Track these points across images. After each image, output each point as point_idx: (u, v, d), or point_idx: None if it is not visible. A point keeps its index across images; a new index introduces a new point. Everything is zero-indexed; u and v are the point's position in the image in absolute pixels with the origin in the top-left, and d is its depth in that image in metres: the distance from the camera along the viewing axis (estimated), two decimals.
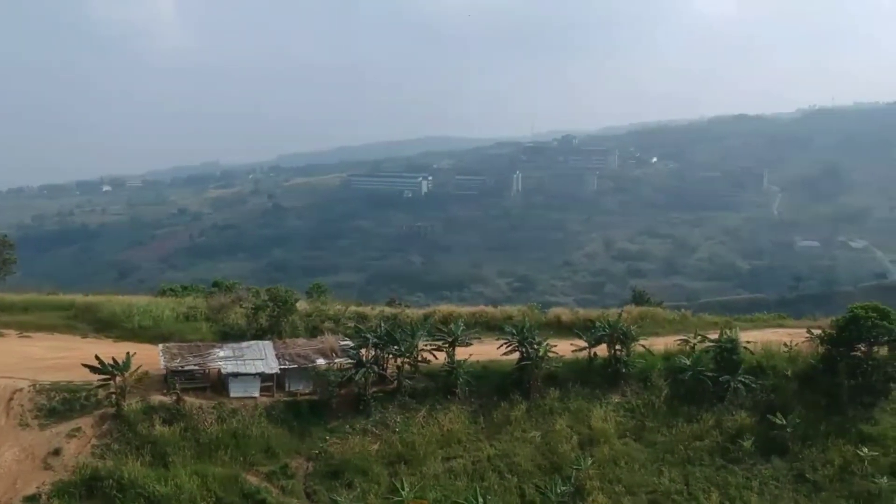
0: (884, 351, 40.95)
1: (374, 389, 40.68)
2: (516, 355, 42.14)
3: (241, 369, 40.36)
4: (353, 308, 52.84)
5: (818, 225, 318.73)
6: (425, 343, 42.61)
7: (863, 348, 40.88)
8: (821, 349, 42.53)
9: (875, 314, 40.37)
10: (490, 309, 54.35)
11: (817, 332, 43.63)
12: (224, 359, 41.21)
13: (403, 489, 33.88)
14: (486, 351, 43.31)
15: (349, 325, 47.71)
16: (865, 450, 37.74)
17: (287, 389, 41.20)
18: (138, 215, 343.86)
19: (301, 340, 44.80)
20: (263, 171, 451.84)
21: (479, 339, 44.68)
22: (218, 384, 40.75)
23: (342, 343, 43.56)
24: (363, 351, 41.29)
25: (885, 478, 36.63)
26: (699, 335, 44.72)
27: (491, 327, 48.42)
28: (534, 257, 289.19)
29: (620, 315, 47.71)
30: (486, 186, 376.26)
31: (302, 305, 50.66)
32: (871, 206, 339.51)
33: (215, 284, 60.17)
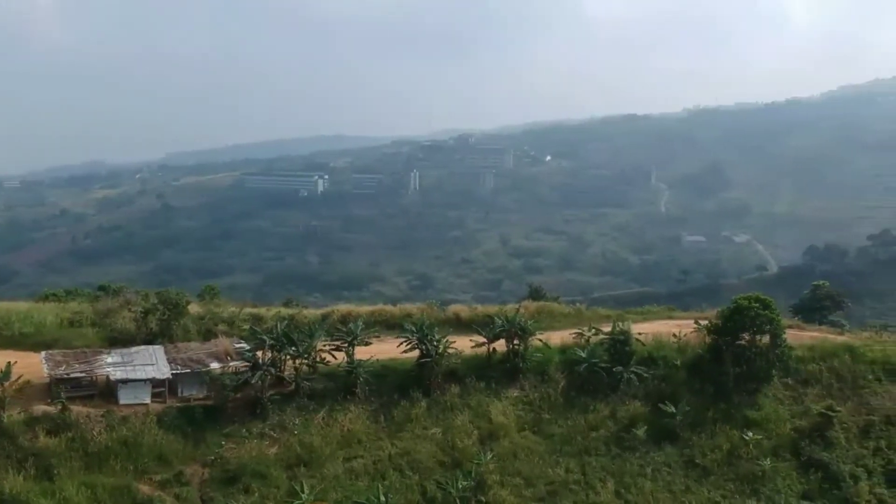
0: (766, 339, 42.83)
1: (272, 392, 39.88)
2: (416, 353, 42.12)
3: (131, 375, 38.84)
4: (248, 310, 51.64)
5: (703, 220, 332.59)
6: (324, 343, 42.08)
7: (747, 337, 42.72)
8: (708, 339, 44.19)
9: (757, 305, 42.25)
10: (389, 308, 54.15)
11: (704, 322, 45.31)
12: (112, 365, 39.58)
13: (303, 492, 33.38)
14: (386, 349, 43.14)
15: (244, 327, 46.60)
16: (750, 434, 39.50)
17: (180, 395, 39.92)
18: (16, 217, 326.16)
19: (194, 344, 43.48)
20: (151, 171, 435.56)
21: (379, 337, 44.50)
22: (106, 391, 39.11)
23: (237, 346, 42.55)
24: (259, 353, 40.42)
25: (768, 459, 38.48)
26: (594, 328, 45.79)
27: (391, 326, 48.27)
28: (432, 255, 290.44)
29: (518, 310, 48.40)
30: (383, 185, 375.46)
31: (194, 308, 49.14)
32: (752, 201, 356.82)
33: (101, 288, 57.72)
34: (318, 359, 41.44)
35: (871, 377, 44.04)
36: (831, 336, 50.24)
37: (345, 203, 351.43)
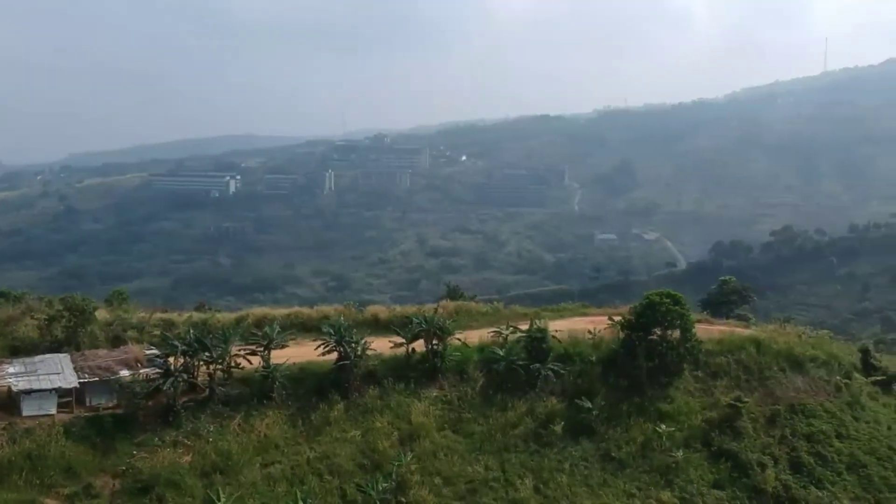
0: (676, 334, 44.00)
1: (185, 399, 38.76)
2: (334, 355, 41.59)
3: (35, 385, 37.09)
4: (158, 315, 50.00)
5: (615, 219, 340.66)
6: (239, 348, 41.10)
7: (658, 332, 43.81)
8: (621, 335, 45.08)
9: (668, 300, 43.38)
10: (306, 310, 53.28)
11: (618, 319, 46.21)
12: (14, 375, 37.72)
13: (219, 500, 32.56)
14: (304, 352, 42.45)
15: (155, 333, 45.14)
16: (663, 426, 40.47)
17: (88, 404, 38.38)
18: None
19: (102, 352, 41.85)
20: (53, 172, 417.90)
21: (296, 340, 43.74)
22: (8, 403, 37.20)
23: (148, 352, 41.19)
24: (171, 359, 39.20)
25: (680, 451, 39.50)
26: (511, 326, 46.14)
27: (307, 328, 47.54)
28: (349, 256, 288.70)
29: (436, 310, 48.44)
30: (297, 185, 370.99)
31: (102, 314, 47.30)
32: (661, 200, 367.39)
33: (1, 295, 55.01)
34: (232, 364, 40.47)
35: (776, 368, 45.74)
36: (738, 329, 51.94)
37: (258, 204, 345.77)
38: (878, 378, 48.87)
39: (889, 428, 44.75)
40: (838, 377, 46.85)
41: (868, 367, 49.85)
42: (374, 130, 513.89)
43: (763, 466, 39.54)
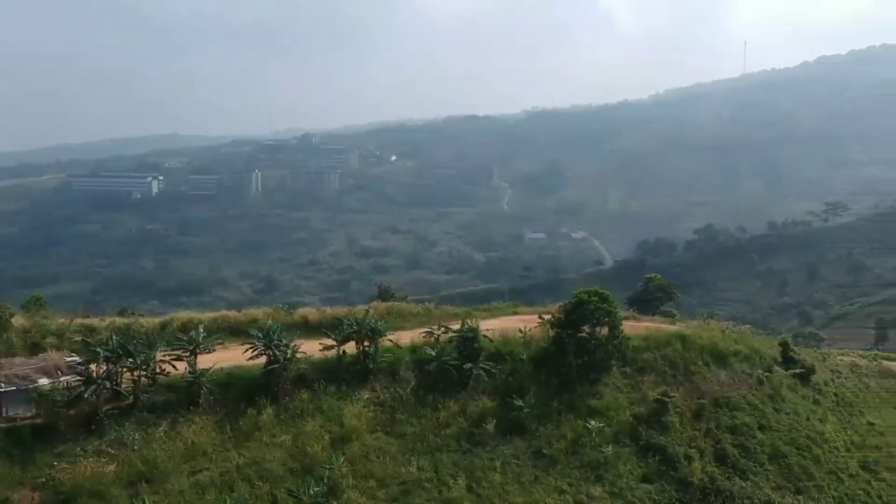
0: (605, 331, 44.60)
1: (108, 407, 37.55)
2: (263, 359, 40.84)
3: None
4: (79, 320, 48.32)
5: (544, 218, 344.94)
6: (164, 353, 40.02)
7: (587, 329, 44.35)
8: (551, 333, 45.46)
9: (596, 298, 43.98)
10: (233, 313, 52.24)
11: (548, 317, 46.61)
12: None
13: None
14: (232, 357, 41.63)
15: (76, 339, 43.65)
16: (593, 422, 40.96)
17: (5, 415, 36.81)
18: None
19: (19, 359, 40.21)
20: None
21: (223, 344, 42.85)
22: None
23: (69, 359, 39.76)
24: (93, 366, 37.93)
25: (610, 446, 40.05)
26: (443, 326, 46.09)
27: (235, 332, 46.60)
28: (277, 257, 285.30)
29: (368, 311, 48.05)
30: (223, 186, 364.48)
31: (18, 321, 45.52)
32: (588, 199, 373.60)
33: None
34: (157, 370, 39.39)
35: (700, 363, 46.85)
36: (664, 326, 53.01)
37: (182, 205, 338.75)
38: (797, 371, 50.64)
39: (808, 419, 46.36)
40: (760, 370, 48.33)
41: (788, 360, 51.60)
42: (301, 130, 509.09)
43: (690, 459, 40.37)
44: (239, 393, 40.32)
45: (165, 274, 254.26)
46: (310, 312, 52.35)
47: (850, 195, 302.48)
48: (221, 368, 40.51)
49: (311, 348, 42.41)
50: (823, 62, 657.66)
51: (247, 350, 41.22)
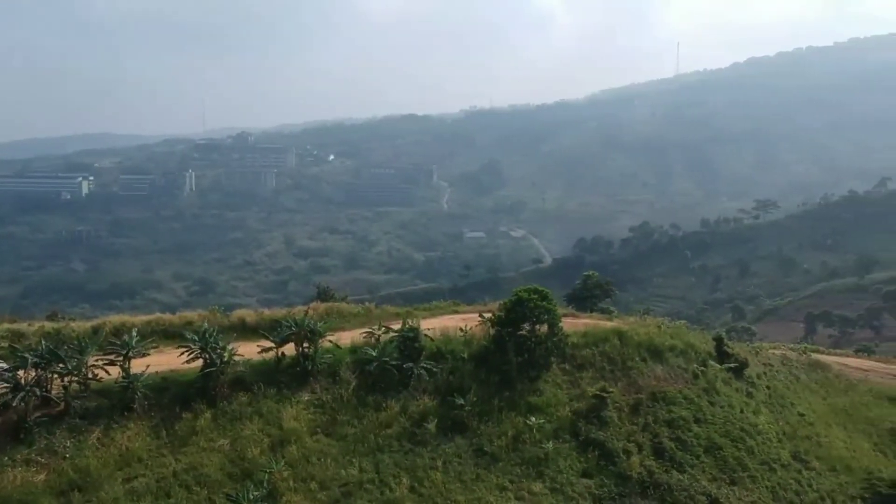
0: (544, 328, 44.94)
1: (38, 414, 36.27)
2: (199, 362, 39.98)
3: None
4: (5, 326, 46.64)
5: (483, 217, 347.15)
6: (96, 358, 38.84)
7: (527, 327, 44.62)
8: (492, 331, 45.59)
9: (536, 296, 44.26)
10: (167, 316, 50.96)
11: (488, 315, 46.72)
12: None
13: None
14: (167, 361, 40.66)
15: (2, 345, 42.10)
16: (533, 419, 41.19)
17: None
18: None
19: None
20: None
21: (158, 348, 41.81)
22: None
23: None
24: (21, 373, 36.58)
25: (550, 442, 40.32)
26: (383, 326, 45.81)
27: (170, 335, 45.52)
28: (212, 258, 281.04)
29: (307, 312, 47.49)
30: (156, 186, 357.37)
31: None
32: (526, 198, 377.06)
33: None
34: (90, 375, 38.21)
35: (637, 358, 47.52)
36: (602, 322, 53.63)
37: (113, 206, 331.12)
38: (731, 365, 51.80)
39: (741, 411, 47.44)
40: (695, 365, 49.27)
41: (722, 355, 52.73)
42: (236, 129, 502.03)
43: (628, 453, 40.90)
44: (175, 397, 39.40)
45: (97, 276, 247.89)
46: (247, 314, 51.47)
47: (780, 193, 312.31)
48: (156, 372, 39.53)
49: (248, 351, 41.70)
50: (753, 63, 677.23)
51: (182, 353, 40.29)
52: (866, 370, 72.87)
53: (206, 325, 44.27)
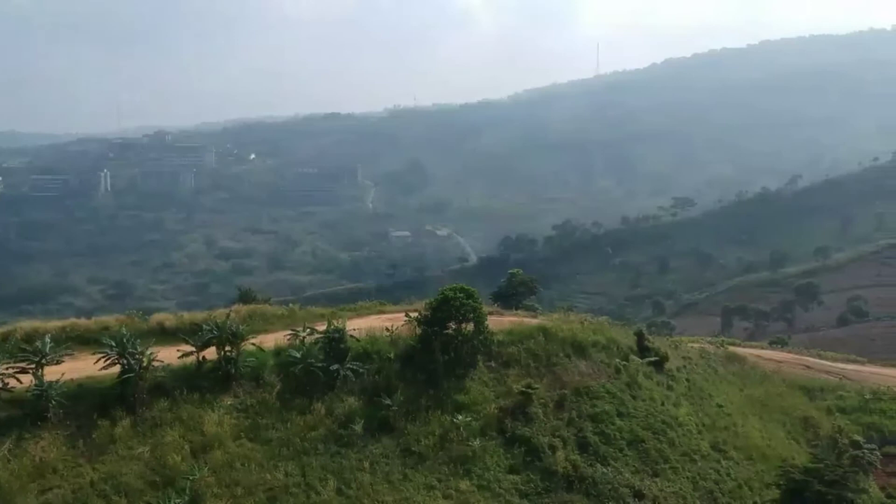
0: (470, 327, 45.12)
1: None
2: (117, 368, 38.73)
3: None
4: None
5: (408, 216, 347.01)
6: (6, 366, 37.26)
7: (453, 326, 44.72)
8: (418, 331, 45.55)
9: (461, 295, 44.38)
10: (83, 321, 49.23)
11: (414, 315, 46.65)
12: None
13: None
14: (82, 367, 39.24)
15: None
16: (460, 417, 41.31)
17: None
18: None
19: None
20: None
21: (73, 355, 40.32)
22: None
23: None
24: None
25: (477, 440, 40.51)
26: (308, 328, 45.24)
27: (86, 341, 43.97)
28: (129, 261, 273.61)
29: (228, 315, 46.45)
30: (69, 187, 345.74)
31: None
32: (451, 197, 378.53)
33: None
34: (0, 384, 36.67)
35: (562, 355, 48.17)
36: (527, 319, 54.20)
37: (23, 207, 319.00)
38: (652, 359, 53.00)
39: (662, 404, 48.59)
40: (617, 360, 50.19)
41: (643, 349, 53.90)
42: (153, 128, 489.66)
43: (553, 449, 41.39)
44: (92, 405, 38.07)
45: (6, 281, 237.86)
46: (166, 318, 50.10)
47: (697, 191, 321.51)
48: (72, 380, 38.13)
49: (168, 355, 40.60)
50: (670, 64, 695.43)
51: (99, 359, 38.95)
52: (780, 361, 75.67)
53: (123, 329, 42.87)
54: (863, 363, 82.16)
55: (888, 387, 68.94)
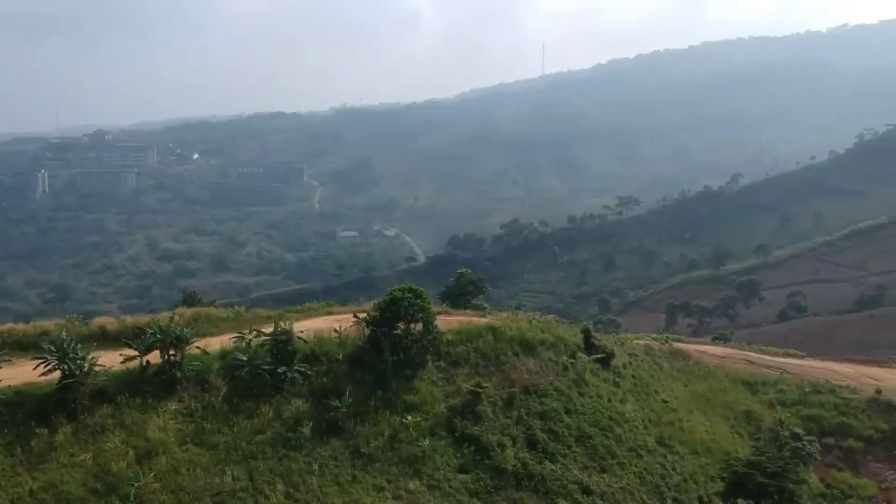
0: (419, 327, 45.05)
1: None
2: (57, 374, 37.74)
3: None
4: None
5: (356, 215, 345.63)
6: None
7: (402, 326, 44.62)
8: (367, 331, 45.29)
9: (410, 295, 44.28)
10: (20, 326, 47.86)
11: (362, 315, 46.33)
12: None
13: None
14: (21, 373, 38.17)
15: None
16: (409, 417, 41.24)
17: None
18: None
19: None
20: None
21: (11, 361, 39.25)
22: None
23: None
24: None
25: (427, 440, 40.48)
26: (254, 330, 44.63)
27: (24, 346, 42.82)
28: (69, 264, 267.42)
29: (172, 318, 45.64)
30: (4, 187, 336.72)
31: None
32: (399, 196, 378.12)
33: None
34: None
35: (510, 353, 48.43)
36: (476, 319, 54.29)
37: None
38: (599, 356, 53.61)
39: (609, 400, 49.19)
40: (565, 357, 50.67)
41: (590, 347, 54.49)
42: (93, 127, 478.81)
43: (503, 447, 41.56)
44: (31, 412, 37.03)
45: None
46: (108, 322, 49.01)
47: (641, 189, 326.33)
48: (9, 386, 37.07)
49: (111, 360, 39.70)
50: (614, 65, 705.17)
51: (38, 365, 37.91)
52: (723, 357, 77.21)
53: (63, 334, 41.78)
54: (802, 357, 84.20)
55: (826, 380, 70.87)
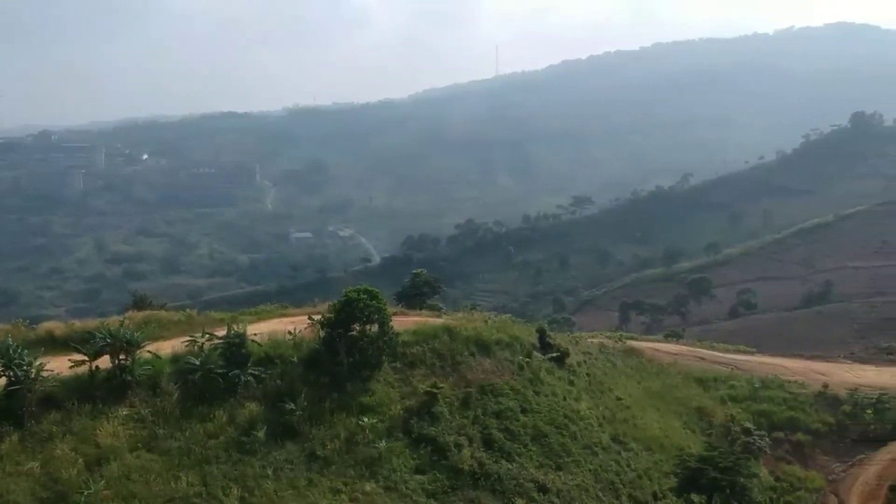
0: (375, 328, 44.83)
1: None
2: (3, 380, 36.78)
3: None
4: None
5: (310, 216, 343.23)
6: None
7: (358, 328, 44.32)
8: (322, 333, 44.95)
9: (365, 296, 44.04)
10: None
11: (317, 317, 46.01)
12: None
13: None
14: None
15: None
16: (366, 419, 41.02)
17: None
18: None
19: None
20: None
21: None
22: None
23: None
24: None
25: (383, 441, 40.31)
26: (207, 333, 43.96)
27: None
28: (13, 267, 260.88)
29: (122, 322, 44.77)
30: None
31: None
32: (353, 196, 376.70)
33: None
34: None
35: (466, 353, 48.53)
36: (431, 319, 54.27)
37: None
38: (554, 355, 54.04)
39: (564, 399, 49.59)
40: (520, 357, 50.94)
41: (545, 346, 54.90)
42: (37, 127, 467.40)
43: (459, 447, 41.62)
44: None
45: None
46: (56, 326, 47.93)
47: (594, 189, 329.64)
48: None
49: (59, 365, 38.80)
50: (567, 66, 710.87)
51: None
52: (675, 354, 78.31)
53: (9, 339, 40.66)
54: (752, 353, 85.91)
55: (776, 375, 72.34)
